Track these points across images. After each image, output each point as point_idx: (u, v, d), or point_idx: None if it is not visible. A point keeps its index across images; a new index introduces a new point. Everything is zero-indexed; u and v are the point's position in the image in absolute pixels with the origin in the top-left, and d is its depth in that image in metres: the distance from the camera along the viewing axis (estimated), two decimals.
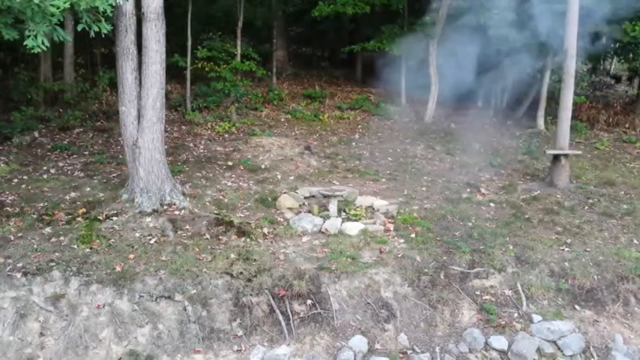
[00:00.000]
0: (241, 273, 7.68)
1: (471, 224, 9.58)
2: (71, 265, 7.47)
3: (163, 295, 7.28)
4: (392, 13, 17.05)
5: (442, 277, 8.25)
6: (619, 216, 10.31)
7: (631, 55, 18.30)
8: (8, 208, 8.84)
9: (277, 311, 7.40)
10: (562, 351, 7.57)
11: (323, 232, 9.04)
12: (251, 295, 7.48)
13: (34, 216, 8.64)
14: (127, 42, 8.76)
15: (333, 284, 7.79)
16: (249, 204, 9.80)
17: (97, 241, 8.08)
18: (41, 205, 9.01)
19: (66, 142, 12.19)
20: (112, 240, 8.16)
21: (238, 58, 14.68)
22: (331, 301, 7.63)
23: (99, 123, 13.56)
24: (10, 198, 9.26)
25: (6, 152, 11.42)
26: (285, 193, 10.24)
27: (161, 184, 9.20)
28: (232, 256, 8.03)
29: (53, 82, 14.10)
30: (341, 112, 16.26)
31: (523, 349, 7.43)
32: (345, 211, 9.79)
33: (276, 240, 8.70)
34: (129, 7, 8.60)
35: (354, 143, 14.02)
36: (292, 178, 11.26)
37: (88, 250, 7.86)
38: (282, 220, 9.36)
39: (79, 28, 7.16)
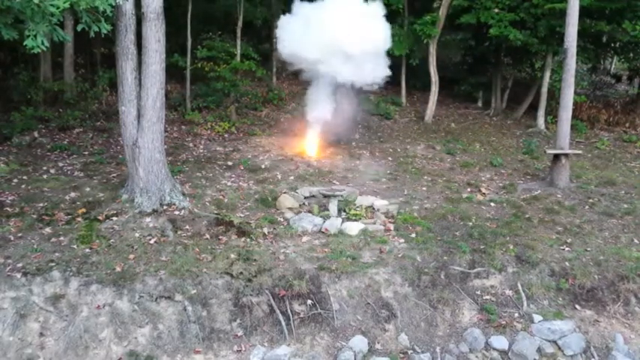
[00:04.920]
0: (241, 273, 7.68)
1: (471, 224, 9.58)
2: (71, 265, 7.47)
3: (163, 295, 7.28)
4: (392, 13, 17.02)
5: (442, 277, 8.24)
6: (619, 215, 10.30)
7: (631, 54, 18.32)
8: (8, 208, 8.83)
9: (277, 311, 7.40)
10: (562, 351, 7.57)
11: (323, 232, 9.04)
12: (251, 295, 7.47)
13: (34, 216, 8.62)
14: (126, 42, 8.75)
15: (334, 284, 7.78)
16: (249, 204, 9.80)
17: (97, 241, 8.07)
18: (41, 205, 9.00)
19: (66, 142, 12.17)
20: (112, 240, 8.15)
21: (238, 57, 14.66)
22: (331, 301, 7.62)
23: (99, 123, 13.55)
24: (10, 198, 9.24)
25: (6, 152, 11.40)
26: (285, 192, 10.23)
27: (161, 184, 9.19)
28: (232, 256, 8.03)
29: (53, 82, 14.07)
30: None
31: (524, 349, 7.43)
32: (345, 210, 9.78)
33: (276, 240, 8.70)
34: (129, 7, 8.59)
35: (354, 143, 14.01)
36: (292, 177, 11.25)
37: (87, 250, 7.85)
38: (282, 220, 9.36)
39: (79, 28, 7.15)
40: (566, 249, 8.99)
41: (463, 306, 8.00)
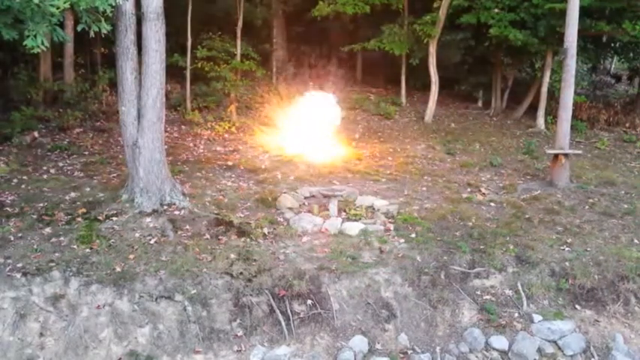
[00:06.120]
0: (241, 273, 7.68)
1: (471, 224, 9.57)
2: (71, 265, 7.46)
3: (163, 295, 7.28)
4: (392, 13, 17.05)
5: (442, 277, 8.24)
6: (619, 215, 10.30)
7: (631, 54, 18.34)
8: (8, 208, 8.83)
9: (277, 311, 7.40)
10: (562, 351, 7.57)
11: (323, 232, 9.04)
12: (251, 295, 7.47)
13: (34, 216, 8.62)
14: (126, 42, 8.75)
15: (334, 284, 7.78)
16: (249, 204, 9.79)
17: (97, 241, 8.06)
18: (41, 205, 9.00)
19: (66, 142, 12.17)
20: (112, 240, 8.15)
21: (238, 57, 14.67)
22: (331, 301, 7.62)
23: (99, 123, 13.55)
24: (10, 198, 9.24)
25: (6, 152, 11.41)
26: (285, 193, 10.22)
27: (161, 184, 9.19)
28: (232, 256, 8.02)
29: (53, 82, 14.08)
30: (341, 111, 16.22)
31: (524, 349, 7.43)
32: (345, 211, 9.78)
33: (276, 240, 8.69)
34: (129, 7, 8.58)
35: (354, 143, 14.02)
36: (292, 178, 11.25)
37: (87, 250, 7.85)
38: (282, 220, 9.35)
39: (79, 28, 7.15)
40: (566, 249, 8.99)
41: (463, 306, 8.00)
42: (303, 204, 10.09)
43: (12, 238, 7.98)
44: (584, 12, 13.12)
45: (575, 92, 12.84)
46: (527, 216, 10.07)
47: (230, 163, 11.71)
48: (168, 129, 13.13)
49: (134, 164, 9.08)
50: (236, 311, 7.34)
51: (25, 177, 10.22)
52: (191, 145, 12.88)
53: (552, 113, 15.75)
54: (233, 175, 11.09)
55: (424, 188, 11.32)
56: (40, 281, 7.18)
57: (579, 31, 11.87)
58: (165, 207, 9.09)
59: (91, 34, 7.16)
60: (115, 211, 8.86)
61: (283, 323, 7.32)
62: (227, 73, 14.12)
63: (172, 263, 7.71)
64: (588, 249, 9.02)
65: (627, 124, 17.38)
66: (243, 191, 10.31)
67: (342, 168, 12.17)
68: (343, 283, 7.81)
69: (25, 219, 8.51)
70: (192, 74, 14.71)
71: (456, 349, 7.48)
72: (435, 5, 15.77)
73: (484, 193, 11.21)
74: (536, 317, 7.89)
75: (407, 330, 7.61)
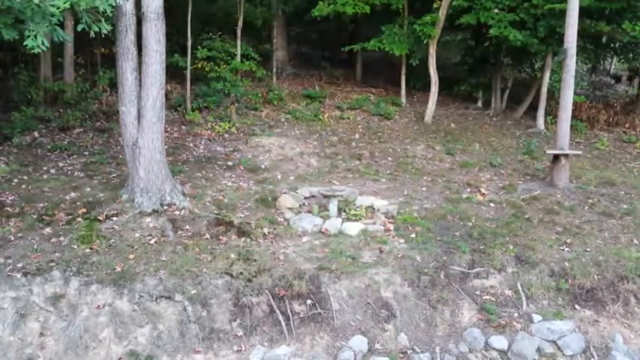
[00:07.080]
0: (241, 273, 7.69)
1: (471, 224, 9.58)
2: (71, 265, 7.47)
3: (163, 295, 7.29)
4: (392, 13, 17.05)
5: (442, 277, 8.25)
6: (619, 216, 10.31)
7: (631, 54, 18.34)
8: (8, 209, 8.84)
9: (277, 311, 7.41)
10: (562, 351, 7.58)
11: (323, 232, 9.05)
12: (251, 295, 7.48)
13: (34, 216, 8.63)
14: (127, 42, 8.76)
15: (333, 284, 7.79)
16: (249, 204, 9.80)
17: (97, 241, 8.07)
18: (41, 205, 9.01)
19: (66, 142, 12.18)
20: (112, 240, 8.16)
21: (238, 58, 14.67)
22: (331, 301, 7.63)
23: (99, 123, 13.55)
24: (10, 198, 9.25)
25: (6, 152, 11.41)
26: (285, 193, 10.24)
27: (161, 184, 9.20)
28: (232, 256, 8.03)
29: (53, 82, 14.07)
30: (341, 112, 16.26)
31: (523, 348, 7.43)
32: (345, 211, 9.79)
33: (276, 240, 8.70)
34: (129, 7, 8.60)
35: (354, 143, 14.02)
36: (292, 178, 11.26)
37: (88, 250, 7.86)
38: (282, 220, 9.36)
39: (79, 28, 7.16)
40: (566, 249, 9.00)
41: (463, 306, 8.01)
42: (303, 204, 10.10)
43: (12, 238, 7.99)
44: (583, 12, 13.13)
45: (575, 92, 12.84)
46: (526, 216, 10.08)
47: (230, 163, 11.72)
48: (169, 129, 13.13)
49: (134, 164, 9.09)
50: (236, 311, 7.35)
51: (25, 177, 10.23)
52: (191, 145, 12.88)
53: (552, 113, 15.76)
54: (233, 175, 11.10)
55: (424, 188, 11.34)
56: (41, 281, 7.19)
57: (579, 32, 11.88)
58: (165, 207, 9.10)
59: (91, 34, 7.17)
60: (115, 211, 8.87)
61: (283, 323, 7.33)
62: (227, 74, 14.12)
63: (172, 263, 7.72)
64: (588, 249, 9.03)
65: (627, 125, 17.39)
66: (243, 191, 10.32)
67: (342, 168, 12.19)
68: (343, 283, 7.82)
69: (25, 219, 8.52)
70: (193, 74, 14.70)
71: (456, 349, 7.48)
72: (435, 6, 15.76)
73: (484, 193, 11.22)
74: (536, 317, 7.91)
75: (406, 330, 7.62)
